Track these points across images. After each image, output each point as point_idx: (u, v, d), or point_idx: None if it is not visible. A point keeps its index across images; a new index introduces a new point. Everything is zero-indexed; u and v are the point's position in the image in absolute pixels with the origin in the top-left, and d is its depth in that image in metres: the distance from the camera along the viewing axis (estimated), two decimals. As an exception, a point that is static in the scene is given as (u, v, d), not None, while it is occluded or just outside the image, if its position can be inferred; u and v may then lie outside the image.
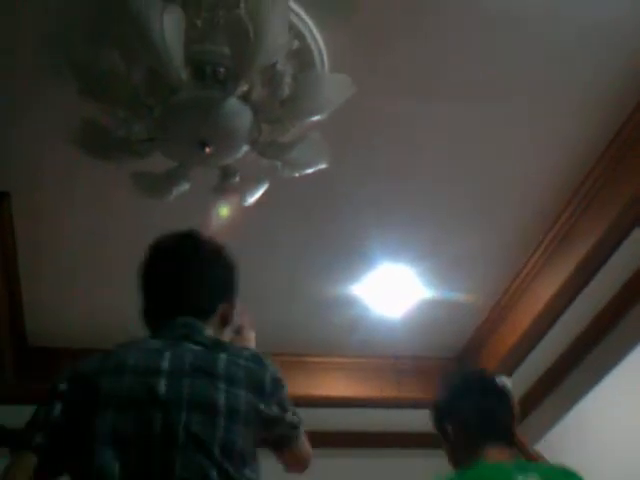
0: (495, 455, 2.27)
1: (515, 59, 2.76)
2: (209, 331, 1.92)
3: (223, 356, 1.81)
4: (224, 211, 3.01)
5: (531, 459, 2.47)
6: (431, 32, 2.65)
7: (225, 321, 2.00)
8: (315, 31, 2.57)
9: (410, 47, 2.69)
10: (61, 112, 2.75)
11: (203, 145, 2.46)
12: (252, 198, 2.81)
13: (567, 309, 3.71)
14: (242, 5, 2.37)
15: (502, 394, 2.45)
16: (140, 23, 2.23)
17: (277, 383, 1.86)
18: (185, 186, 2.73)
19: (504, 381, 2.58)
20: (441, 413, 2.44)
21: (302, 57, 2.60)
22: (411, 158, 3.17)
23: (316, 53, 2.62)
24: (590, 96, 2.92)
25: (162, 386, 1.72)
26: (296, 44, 2.54)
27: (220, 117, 2.43)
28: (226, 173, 2.70)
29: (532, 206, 3.47)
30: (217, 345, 1.86)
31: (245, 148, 2.56)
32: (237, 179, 2.72)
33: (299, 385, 4.39)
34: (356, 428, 4.59)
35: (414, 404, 4.15)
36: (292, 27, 2.48)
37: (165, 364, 1.76)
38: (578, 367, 3.95)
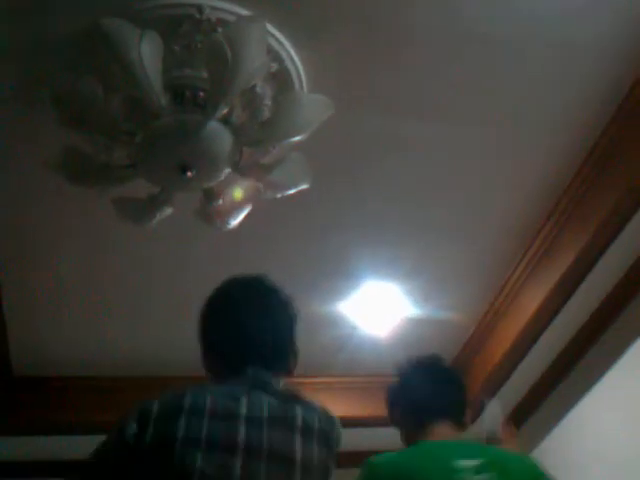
0: (441, 433, 2.26)
1: (501, 88, 2.80)
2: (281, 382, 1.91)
3: (299, 410, 1.82)
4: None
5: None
6: (413, 54, 2.66)
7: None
8: (293, 53, 2.58)
9: (390, 69, 2.69)
10: (43, 141, 2.73)
11: (184, 169, 2.46)
12: (235, 221, 2.81)
13: (552, 321, 3.72)
14: (219, 30, 2.38)
15: (451, 377, 2.47)
16: (118, 50, 2.24)
17: (339, 443, 1.93)
18: (168, 211, 2.73)
19: (492, 403, 2.57)
20: (391, 398, 2.46)
21: (281, 79, 2.61)
22: (394, 179, 3.18)
23: (294, 75, 2.63)
24: (568, 113, 2.95)
25: (242, 433, 1.71)
26: (275, 67, 2.55)
27: (200, 140, 2.43)
28: (209, 197, 2.71)
29: (512, 225, 3.51)
30: (292, 397, 1.86)
31: (226, 171, 2.57)
32: (220, 202, 2.72)
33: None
34: (343, 448, 4.56)
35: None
36: (270, 49, 2.49)
37: (243, 410, 1.75)
38: (566, 377, 3.96)
